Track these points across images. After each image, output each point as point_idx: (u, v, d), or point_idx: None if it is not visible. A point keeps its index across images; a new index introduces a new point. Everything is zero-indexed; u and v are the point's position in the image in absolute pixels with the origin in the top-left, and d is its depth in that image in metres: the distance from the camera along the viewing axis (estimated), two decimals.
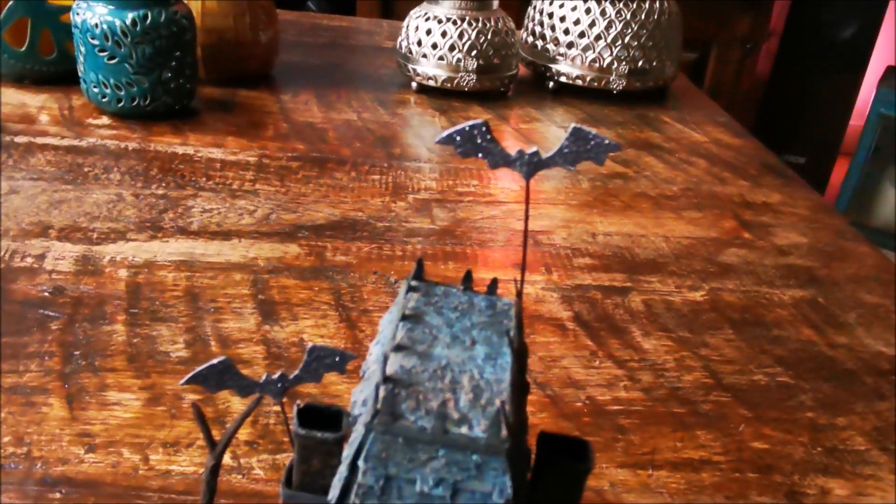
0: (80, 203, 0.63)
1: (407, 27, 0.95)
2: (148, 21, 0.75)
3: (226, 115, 0.84)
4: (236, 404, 0.44)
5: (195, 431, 0.42)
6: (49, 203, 0.62)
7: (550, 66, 0.99)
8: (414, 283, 0.23)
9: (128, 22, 0.74)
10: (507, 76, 0.96)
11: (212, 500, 0.23)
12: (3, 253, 0.55)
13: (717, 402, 0.49)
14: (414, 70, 0.94)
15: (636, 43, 0.96)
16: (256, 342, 0.49)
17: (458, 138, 0.21)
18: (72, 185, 0.66)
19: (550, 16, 0.99)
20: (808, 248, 0.69)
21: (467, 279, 0.23)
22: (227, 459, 0.40)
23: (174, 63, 0.78)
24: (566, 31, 0.97)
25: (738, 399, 0.49)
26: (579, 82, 0.98)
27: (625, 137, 0.90)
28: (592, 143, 0.20)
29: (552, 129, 0.90)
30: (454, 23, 0.92)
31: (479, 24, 0.92)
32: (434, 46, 0.92)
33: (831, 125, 2.50)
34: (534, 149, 0.21)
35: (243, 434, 0.42)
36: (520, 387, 0.21)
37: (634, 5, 0.96)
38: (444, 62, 0.92)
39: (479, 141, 0.21)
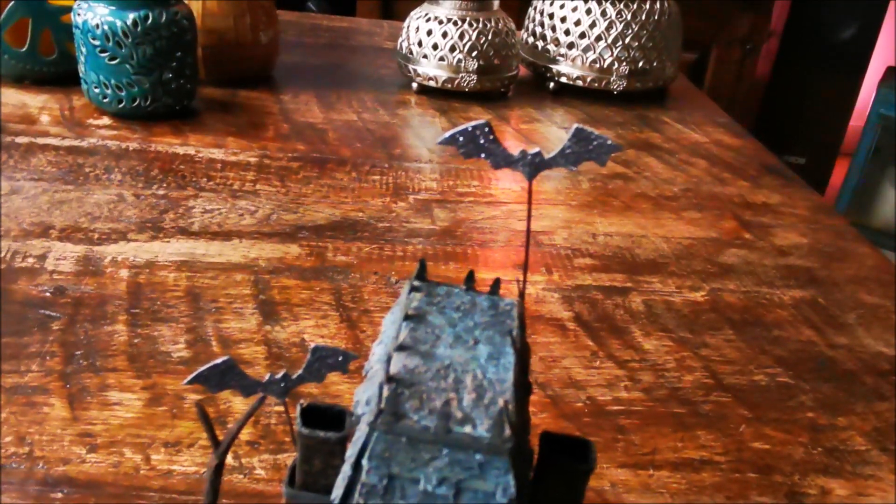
0: (81, 203, 0.63)
1: (407, 28, 0.96)
2: (149, 22, 0.75)
3: (226, 116, 0.84)
4: (237, 404, 0.44)
5: (196, 431, 0.42)
6: (50, 203, 0.63)
7: (551, 66, 1.00)
8: (417, 283, 0.23)
9: (129, 22, 0.74)
10: (507, 77, 0.96)
11: (216, 499, 0.23)
12: (4, 253, 0.55)
13: (718, 403, 0.49)
14: (414, 71, 0.94)
15: (636, 44, 0.96)
16: (257, 342, 0.49)
17: (461, 139, 0.21)
18: (73, 186, 0.66)
19: (551, 16, 0.99)
20: (809, 249, 0.69)
21: (470, 279, 0.23)
22: (228, 459, 0.40)
23: (175, 63, 0.78)
24: (566, 32, 0.98)
25: (739, 399, 0.49)
26: (580, 83, 0.98)
27: (625, 138, 0.90)
28: (595, 143, 0.20)
29: (552, 130, 0.90)
30: (455, 23, 0.92)
31: (480, 25, 0.92)
32: (435, 47, 0.92)
33: (831, 126, 2.50)
34: (536, 149, 0.21)
35: (244, 434, 0.42)
36: (522, 387, 0.21)
37: (635, 6, 0.96)
38: (445, 63, 0.93)
39: (481, 141, 0.21)
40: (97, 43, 0.75)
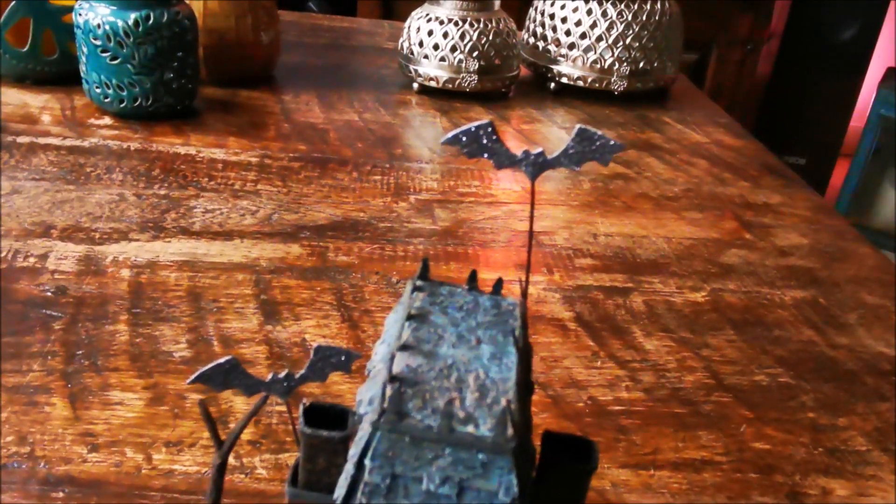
0: (83, 203, 0.63)
1: (408, 28, 0.96)
2: (150, 21, 0.75)
3: (227, 116, 0.84)
4: (239, 404, 0.44)
5: (198, 431, 0.42)
6: (51, 203, 0.63)
7: (551, 66, 1.00)
8: (419, 282, 0.23)
9: (130, 22, 0.74)
10: (508, 77, 0.96)
11: (219, 498, 0.23)
12: (5, 253, 0.55)
13: (719, 403, 0.49)
14: (415, 71, 0.95)
15: (637, 44, 0.96)
16: (259, 342, 0.49)
17: (465, 139, 0.21)
18: (74, 186, 0.66)
19: (552, 17, 0.99)
20: (809, 249, 0.69)
21: (473, 279, 0.23)
22: (229, 459, 0.40)
23: (176, 63, 0.78)
24: (567, 33, 0.98)
25: (740, 399, 0.49)
26: (580, 83, 0.98)
27: (626, 138, 0.90)
28: (598, 143, 0.20)
29: (553, 130, 0.90)
30: (456, 24, 0.92)
31: (481, 25, 0.92)
32: (435, 47, 0.92)
33: (832, 126, 2.50)
34: (539, 149, 0.21)
35: (246, 434, 0.42)
36: (525, 386, 0.21)
37: (635, 6, 0.96)
38: (446, 63, 0.93)
39: (484, 141, 0.21)
40: (98, 43, 0.75)
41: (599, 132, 0.20)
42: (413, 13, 0.96)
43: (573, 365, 0.51)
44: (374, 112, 0.90)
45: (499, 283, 0.23)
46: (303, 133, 0.82)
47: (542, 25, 1.00)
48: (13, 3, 0.80)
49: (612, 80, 0.97)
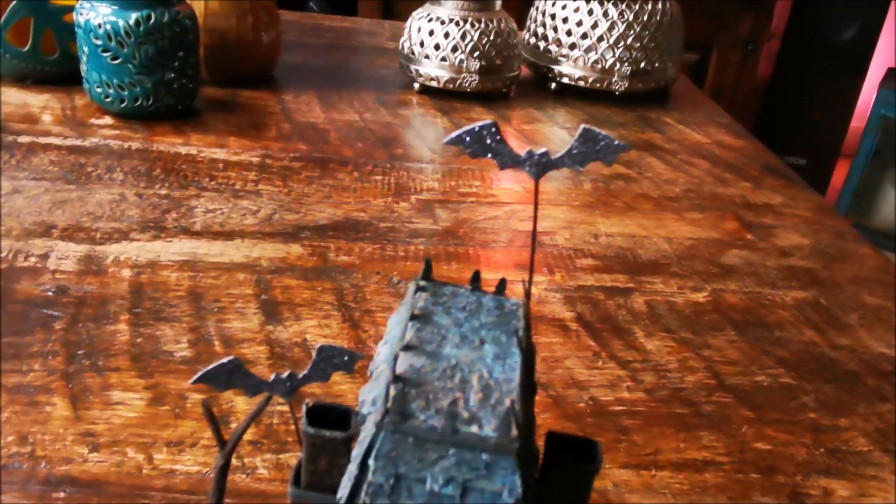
0: (83, 203, 0.63)
1: (409, 28, 0.96)
2: (151, 21, 0.75)
3: (228, 116, 0.84)
4: (240, 404, 0.44)
5: (199, 431, 0.42)
6: (52, 203, 0.63)
7: (552, 67, 1.00)
8: (422, 283, 0.23)
9: (131, 22, 0.74)
10: (509, 77, 0.96)
11: (221, 499, 0.23)
12: (6, 253, 0.55)
13: (720, 403, 0.49)
14: (416, 71, 0.94)
15: (638, 44, 0.96)
16: (260, 342, 0.49)
17: (468, 139, 0.21)
18: (75, 185, 0.66)
19: (553, 17, 0.99)
20: (810, 250, 0.69)
21: (476, 279, 0.23)
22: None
23: (177, 63, 0.78)
24: (568, 33, 0.98)
25: (741, 400, 0.49)
26: (581, 83, 0.98)
27: (627, 139, 0.90)
28: (602, 143, 0.20)
29: (554, 131, 0.90)
30: (457, 24, 0.92)
31: (482, 25, 0.92)
32: (436, 47, 0.92)
33: (832, 127, 2.50)
34: (543, 149, 0.21)
35: (247, 434, 0.42)
36: (528, 387, 0.21)
37: (636, 7, 0.96)
38: (447, 63, 0.93)
39: (488, 141, 0.21)
40: (99, 42, 0.75)
41: (603, 132, 0.20)
42: (414, 13, 0.96)
43: (574, 365, 0.51)
44: (374, 112, 0.89)
45: (502, 284, 0.23)
46: (303, 133, 0.82)
47: (543, 25, 1.00)
48: (14, 2, 0.80)
49: (613, 80, 0.97)
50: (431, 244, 0.63)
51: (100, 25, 0.74)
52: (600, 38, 0.96)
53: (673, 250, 0.66)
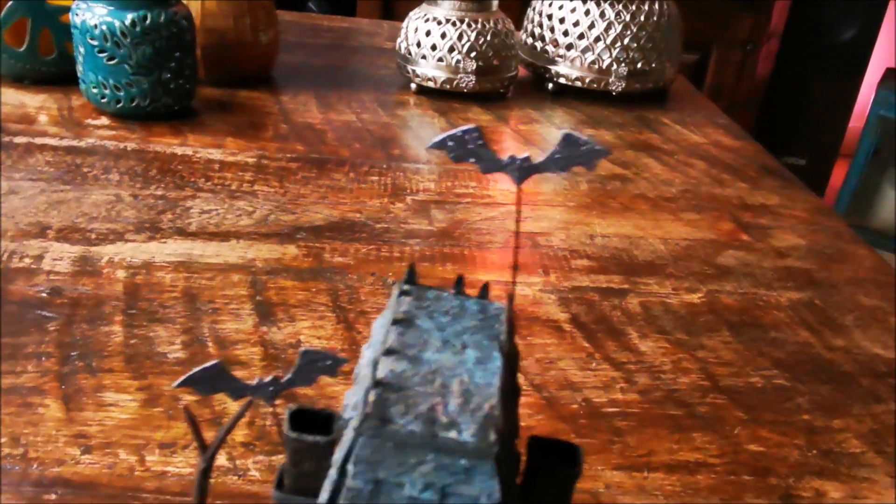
0: (79, 204, 0.63)
1: (406, 28, 0.96)
2: (147, 22, 0.75)
3: (225, 116, 0.84)
4: (233, 406, 0.44)
5: (191, 432, 0.42)
6: (48, 203, 0.63)
7: (550, 67, 1.00)
8: (406, 287, 0.23)
9: (127, 23, 0.74)
10: (506, 77, 0.96)
11: (203, 502, 0.23)
12: (0, 254, 0.55)
13: (714, 405, 0.49)
14: (413, 71, 0.94)
15: (635, 45, 0.96)
16: (254, 343, 0.49)
17: (451, 143, 0.21)
18: (70, 186, 0.66)
19: (550, 17, 0.99)
20: (807, 251, 0.69)
21: (459, 284, 0.23)
22: (223, 461, 0.40)
23: (174, 64, 0.78)
24: (565, 33, 0.98)
25: (735, 401, 0.49)
26: (578, 84, 0.98)
27: (624, 139, 0.90)
28: (584, 148, 0.20)
29: (552, 131, 0.90)
30: (453, 24, 0.92)
31: (479, 26, 0.92)
32: (433, 48, 0.92)
33: (831, 127, 2.50)
34: (525, 154, 0.21)
35: (239, 435, 0.42)
36: (511, 391, 0.21)
37: (634, 7, 0.96)
38: (444, 63, 0.93)
39: (470, 146, 0.21)
40: (95, 43, 0.75)
41: (585, 137, 0.20)
42: (411, 13, 0.96)
43: (568, 366, 0.51)
44: (372, 112, 0.90)
45: (485, 288, 0.23)
46: (300, 133, 0.82)
47: (541, 26, 1.00)
48: (11, 2, 0.80)
49: (611, 80, 0.97)
50: (427, 245, 0.63)
51: (96, 26, 0.74)
52: (597, 39, 0.96)
53: (669, 251, 0.66)
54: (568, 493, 0.22)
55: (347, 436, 0.18)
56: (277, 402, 0.44)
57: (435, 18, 0.93)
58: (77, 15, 0.76)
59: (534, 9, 1.03)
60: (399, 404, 0.19)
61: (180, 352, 0.48)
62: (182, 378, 0.22)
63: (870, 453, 0.46)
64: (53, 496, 0.37)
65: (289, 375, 0.23)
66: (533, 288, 0.59)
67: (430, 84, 0.94)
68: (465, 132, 0.21)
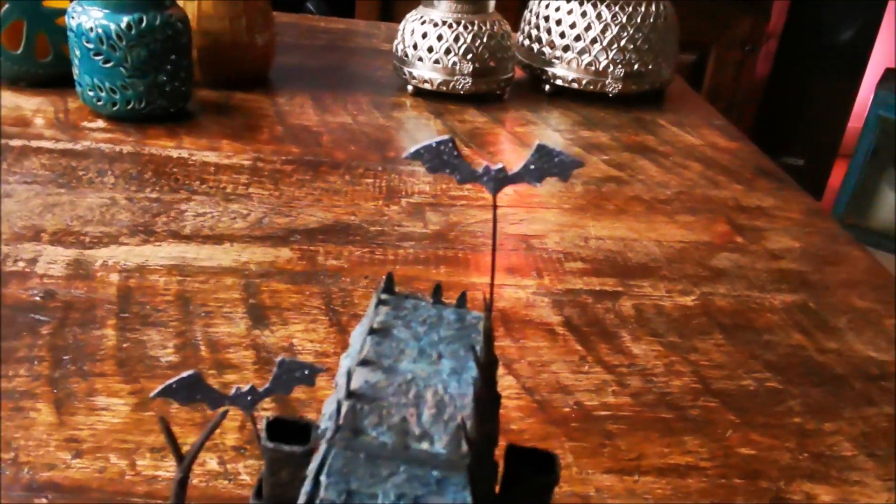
0: (74, 207, 0.63)
1: (403, 30, 0.96)
2: (143, 24, 0.75)
3: (221, 118, 0.84)
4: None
5: (182, 437, 0.42)
6: (42, 207, 0.63)
7: (546, 69, 1.00)
8: (384, 296, 0.23)
9: (123, 25, 0.74)
10: (502, 79, 0.96)
11: None
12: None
13: (706, 408, 0.49)
14: (410, 73, 0.95)
15: (632, 46, 0.96)
16: (246, 347, 0.49)
17: (426, 154, 0.21)
18: (65, 189, 0.66)
19: (546, 19, 0.99)
20: (801, 253, 0.69)
21: (437, 293, 0.23)
22: (214, 465, 0.41)
23: (169, 66, 0.78)
24: (562, 35, 0.98)
25: (727, 404, 0.49)
26: (575, 85, 0.98)
27: (620, 141, 0.90)
28: (557, 159, 0.20)
29: (548, 133, 0.90)
30: (450, 26, 0.92)
31: (475, 28, 0.92)
32: (430, 50, 0.92)
33: (830, 127, 2.50)
34: (500, 165, 0.21)
35: (230, 439, 0.42)
36: (488, 400, 0.21)
37: (630, 8, 0.96)
38: (440, 65, 0.93)
39: (445, 157, 0.21)
40: (91, 46, 0.75)
41: (558, 148, 0.20)
42: (407, 15, 0.96)
43: (560, 370, 0.51)
44: (368, 114, 0.90)
45: (462, 297, 0.23)
46: (296, 136, 0.82)
47: (537, 27, 1.00)
48: (7, 5, 0.80)
49: (607, 82, 0.97)
50: (421, 248, 0.63)
51: (91, 29, 0.74)
52: (594, 41, 0.96)
53: (663, 253, 0.66)
54: (546, 500, 0.22)
55: (322, 447, 0.18)
56: (267, 406, 0.44)
57: (431, 20, 0.93)
58: (73, 18, 0.76)
59: (531, 10, 1.03)
60: (372, 415, 0.19)
61: (173, 355, 0.48)
62: (159, 388, 0.22)
63: (861, 456, 0.46)
64: (44, 500, 0.37)
65: (267, 385, 0.23)
66: (526, 290, 0.59)
67: (427, 86, 0.94)
68: (439, 143, 0.21)
